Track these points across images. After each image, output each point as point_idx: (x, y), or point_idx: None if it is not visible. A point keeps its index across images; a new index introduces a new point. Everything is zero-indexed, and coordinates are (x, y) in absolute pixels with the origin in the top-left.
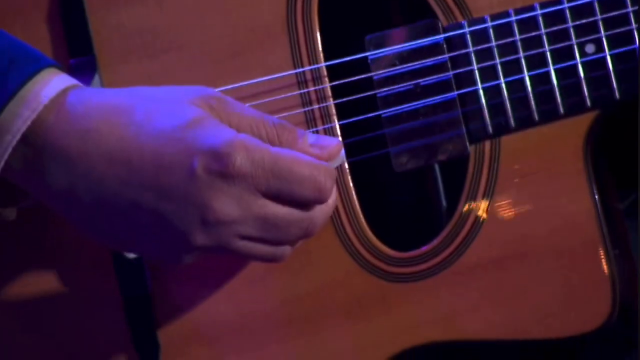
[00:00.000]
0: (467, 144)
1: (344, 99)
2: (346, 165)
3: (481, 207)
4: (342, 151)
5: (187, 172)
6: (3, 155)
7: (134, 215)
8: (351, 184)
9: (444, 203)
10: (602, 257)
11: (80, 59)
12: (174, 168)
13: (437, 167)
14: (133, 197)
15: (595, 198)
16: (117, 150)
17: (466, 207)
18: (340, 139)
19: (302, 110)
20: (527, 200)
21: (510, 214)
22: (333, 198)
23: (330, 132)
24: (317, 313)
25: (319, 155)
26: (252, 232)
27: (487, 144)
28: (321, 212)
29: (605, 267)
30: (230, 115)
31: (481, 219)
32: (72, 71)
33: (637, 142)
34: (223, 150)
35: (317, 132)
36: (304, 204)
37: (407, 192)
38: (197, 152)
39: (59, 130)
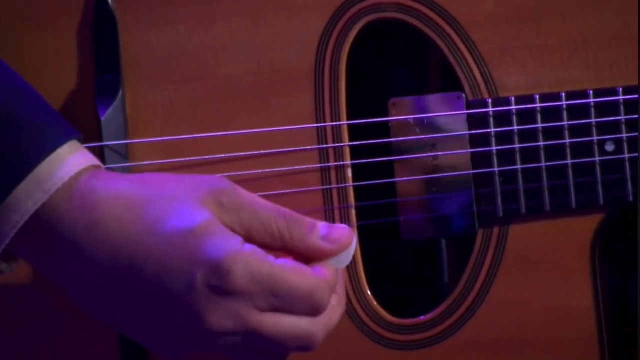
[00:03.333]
0: (477, 223)
1: (361, 161)
2: (355, 225)
3: (482, 288)
4: (355, 241)
5: (187, 282)
6: (9, 234)
7: (132, 311)
8: (358, 247)
9: (446, 277)
10: (598, 357)
11: (106, 75)
12: (175, 276)
13: (443, 241)
14: (134, 294)
15: (598, 297)
16: (123, 247)
17: (467, 285)
18: (353, 231)
19: (319, 165)
20: (528, 288)
21: (509, 298)
22: (338, 315)
23: (344, 193)
24: None
25: (330, 250)
26: (246, 347)
27: (496, 226)
28: (323, 329)
29: None
30: (240, 211)
31: (480, 300)
32: (97, 87)
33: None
34: (223, 266)
35: (330, 191)
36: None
37: (411, 262)
38: (199, 264)
39: (69, 218)
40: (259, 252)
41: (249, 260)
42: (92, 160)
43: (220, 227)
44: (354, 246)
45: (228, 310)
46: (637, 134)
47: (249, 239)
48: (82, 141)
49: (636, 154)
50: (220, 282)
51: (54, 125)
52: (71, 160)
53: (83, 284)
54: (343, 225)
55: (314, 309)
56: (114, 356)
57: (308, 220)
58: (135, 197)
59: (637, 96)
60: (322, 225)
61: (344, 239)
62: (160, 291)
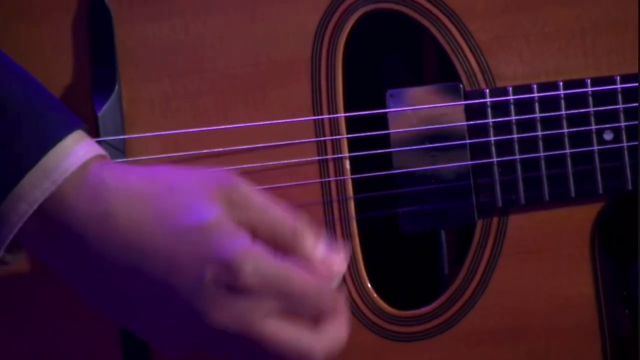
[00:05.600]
0: (476, 214)
1: (359, 153)
2: (354, 217)
3: (482, 278)
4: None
5: (196, 278)
6: (17, 223)
7: (138, 305)
8: (357, 239)
9: (446, 268)
10: (598, 345)
11: (102, 69)
12: (184, 271)
13: (443, 232)
14: (141, 289)
15: (597, 285)
16: (133, 241)
17: (467, 276)
18: (345, 260)
19: (317, 158)
20: (528, 277)
21: (510, 288)
22: (339, 339)
23: (342, 185)
24: None
25: (324, 273)
26: (243, 350)
27: (495, 216)
28: (323, 349)
29: (600, 355)
30: (249, 210)
31: (481, 290)
32: (93, 82)
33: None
34: (235, 263)
35: (328, 184)
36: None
37: (411, 252)
38: (210, 260)
39: (78, 209)
40: (268, 252)
41: (259, 259)
42: (98, 150)
43: (231, 223)
44: (342, 273)
45: (234, 309)
46: (635, 122)
47: (253, 238)
48: (87, 131)
49: (635, 143)
50: (230, 278)
51: (59, 115)
52: (78, 149)
53: (89, 276)
54: (340, 254)
55: (319, 310)
56: (115, 353)
57: (310, 236)
58: (145, 189)
59: (635, 84)
60: (322, 244)
61: (336, 268)
62: (168, 286)
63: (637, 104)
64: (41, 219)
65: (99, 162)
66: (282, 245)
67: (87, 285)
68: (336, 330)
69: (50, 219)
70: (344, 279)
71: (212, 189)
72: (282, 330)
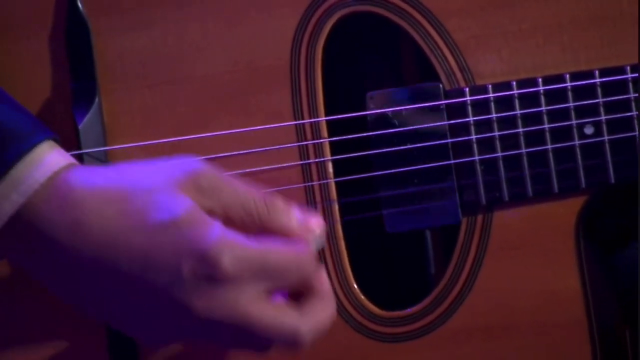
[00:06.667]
0: (460, 212)
1: (341, 157)
2: (339, 220)
3: (469, 276)
4: (324, 230)
5: (174, 274)
6: None
7: (120, 306)
8: (342, 241)
9: (432, 267)
10: (587, 337)
11: (81, 82)
12: (160, 269)
13: (428, 232)
14: (121, 291)
15: (584, 278)
16: (107, 246)
17: (454, 274)
18: (324, 222)
19: (300, 163)
20: (514, 273)
21: (497, 285)
22: (326, 316)
23: (326, 188)
24: None
25: (304, 237)
26: (232, 335)
27: (480, 214)
28: (309, 327)
29: (589, 347)
30: (220, 193)
31: (468, 287)
32: (73, 95)
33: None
34: (211, 254)
35: (312, 187)
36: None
37: (397, 253)
38: (185, 255)
39: (50, 219)
40: (242, 237)
41: (234, 246)
42: (68, 159)
43: (202, 215)
44: (324, 235)
45: (216, 298)
46: (616, 115)
47: (228, 220)
48: (58, 142)
49: (616, 136)
50: (209, 270)
51: (29, 125)
52: (48, 159)
53: (69, 283)
54: (316, 216)
55: (302, 279)
56: (101, 349)
57: (285, 203)
58: (113, 191)
59: (613, 78)
60: (297, 211)
61: (316, 229)
62: (147, 285)
63: (616, 98)
64: (16, 232)
65: (68, 170)
66: (257, 223)
67: (67, 290)
68: (322, 309)
69: (25, 232)
70: (329, 278)
71: (179, 180)
72: (266, 311)
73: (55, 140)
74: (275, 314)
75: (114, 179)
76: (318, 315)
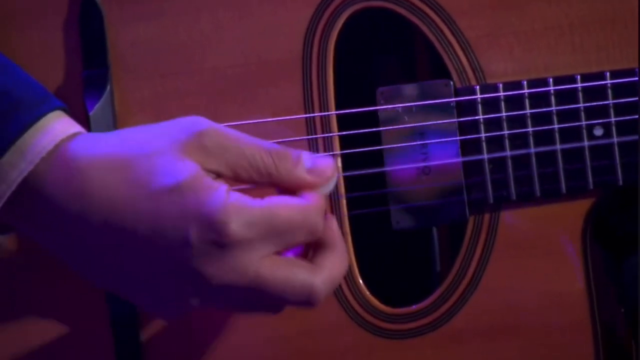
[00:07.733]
0: (467, 211)
1: (350, 151)
2: (346, 215)
3: (474, 275)
4: (337, 169)
5: (182, 240)
6: None
7: (128, 275)
8: (349, 237)
9: (438, 265)
10: (591, 340)
11: (93, 70)
12: (168, 235)
13: (434, 229)
14: (128, 257)
15: (589, 281)
16: (112, 213)
17: (459, 273)
18: (334, 160)
19: None
20: (520, 274)
21: (502, 285)
22: (339, 270)
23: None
24: (300, 357)
25: (316, 182)
26: (245, 298)
27: (487, 212)
28: (324, 282)
29: (592, 350)
30: (225, 152)
31: (473, 287)
32: (84, 83)
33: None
34: (217, 218)
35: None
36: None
37: (403, 250)
38: (192, 220)
39: (55, 188)
40: (246, 198)
41: (239, 208)
42: (76, 127)
43: (206, 179)
44: (336, 175)
45: (227, 263)
46: (625, 117)
47: (236, 177)
48: (67, 112)
49: (625, 138)
50: (217, 235)
51: (38, 95)
52: (54, 128)
53: (76, 252)
54: (326, 157)
55: (310, 233)
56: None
57: (292, 153)
58: (117, 158)
59: (624, 80)
60: (306, 158)
61: (328, 170)
62: (155, 252)
63: (627, 100)
64: (23, 200)
65: (73, 138)
66: (266, 177)
67: (78, 261)
68: (334, 261)
69: (32, 201)
70: None
71: (183, 142)
72: (278, 270)
73: (65, 111)
74: (287, 271)
75: (117, 145)
76: (331, 267)
